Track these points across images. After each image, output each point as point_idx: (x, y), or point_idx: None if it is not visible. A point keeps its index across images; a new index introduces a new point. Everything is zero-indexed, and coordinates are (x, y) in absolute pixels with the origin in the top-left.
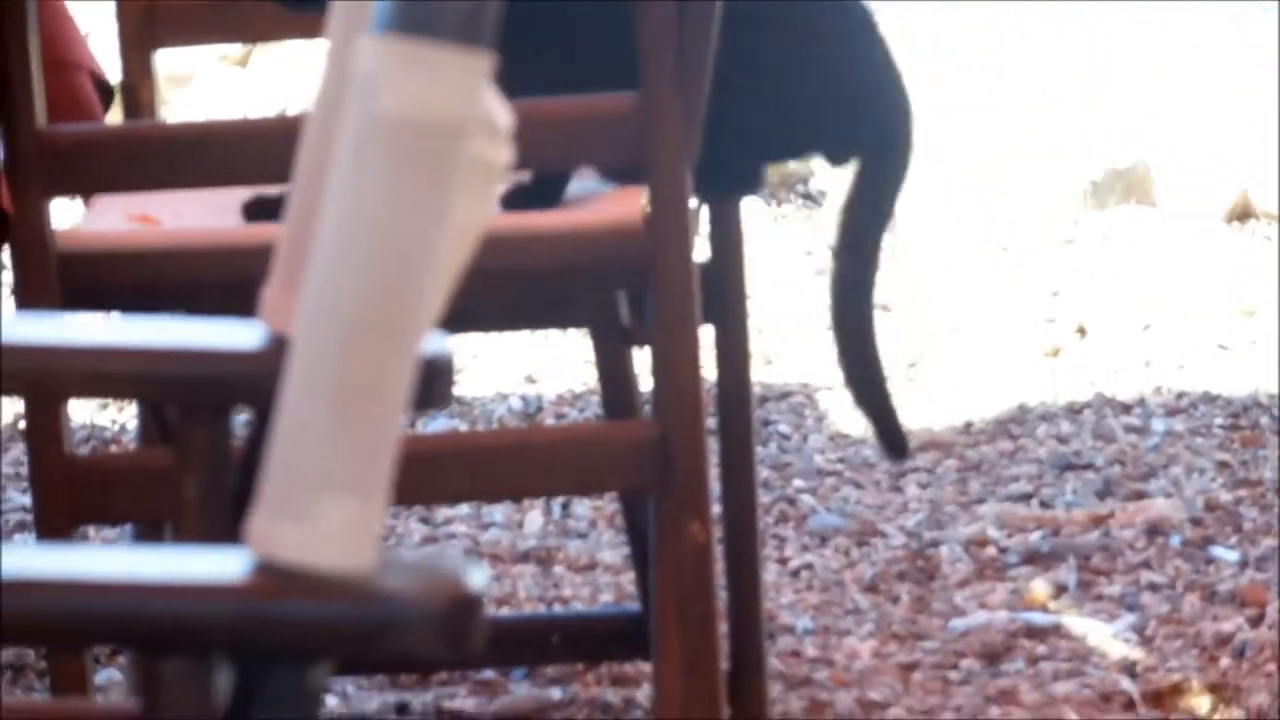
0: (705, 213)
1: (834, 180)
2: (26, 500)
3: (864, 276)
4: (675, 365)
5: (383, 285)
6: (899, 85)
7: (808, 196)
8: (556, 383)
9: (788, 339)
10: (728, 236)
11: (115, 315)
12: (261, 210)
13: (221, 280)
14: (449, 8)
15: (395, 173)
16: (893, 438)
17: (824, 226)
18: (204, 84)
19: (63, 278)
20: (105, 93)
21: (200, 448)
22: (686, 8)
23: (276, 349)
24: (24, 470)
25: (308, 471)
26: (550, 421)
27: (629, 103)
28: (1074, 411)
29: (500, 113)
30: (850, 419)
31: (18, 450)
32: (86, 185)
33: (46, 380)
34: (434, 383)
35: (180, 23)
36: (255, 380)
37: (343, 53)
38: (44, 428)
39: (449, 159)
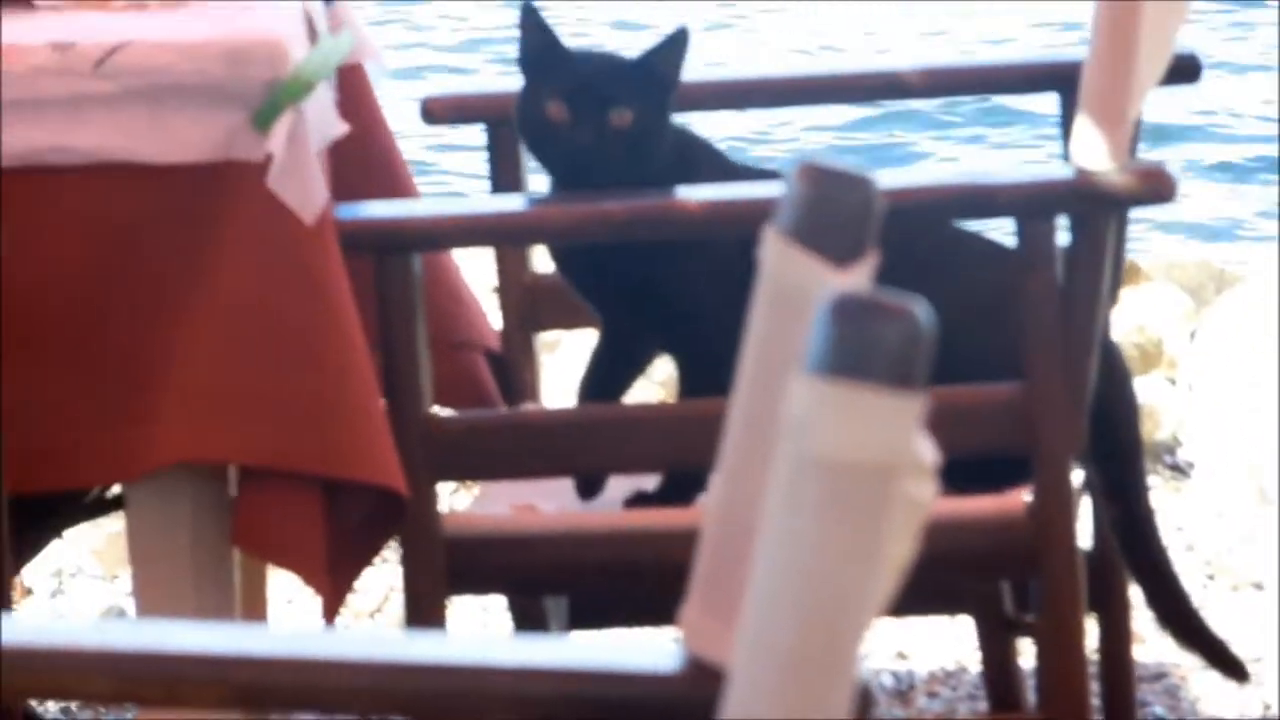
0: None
1: (1201, 452)
2: None
3: (1142, 508)
4: (1062, 657)
5: (819, 625)
6: None
7: (1175, 468)
8: (928, 659)
9: None
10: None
11: (504, 600)
12: (643, 505)
13: (605, 567)
14: (882, 349)
15: (829, 515)
16: (1228, 661)
17: (1195, 500)
18: (571, 349)
19: (449, 561)
20: (501, 368)
21: None
22: (1070, 293)
23: (696, 672)
24: None
25: None
26: (923, 700)
27: (1015, 391)
28: None
29: (928, 450)
30: (1226, 701)
31: None
32: (473, 471)
33: (455, 702)
34: (861, 709)
35: (562, 306)
36: (676, 703)
37: (764, 365)
38: None
39: (881, 501)
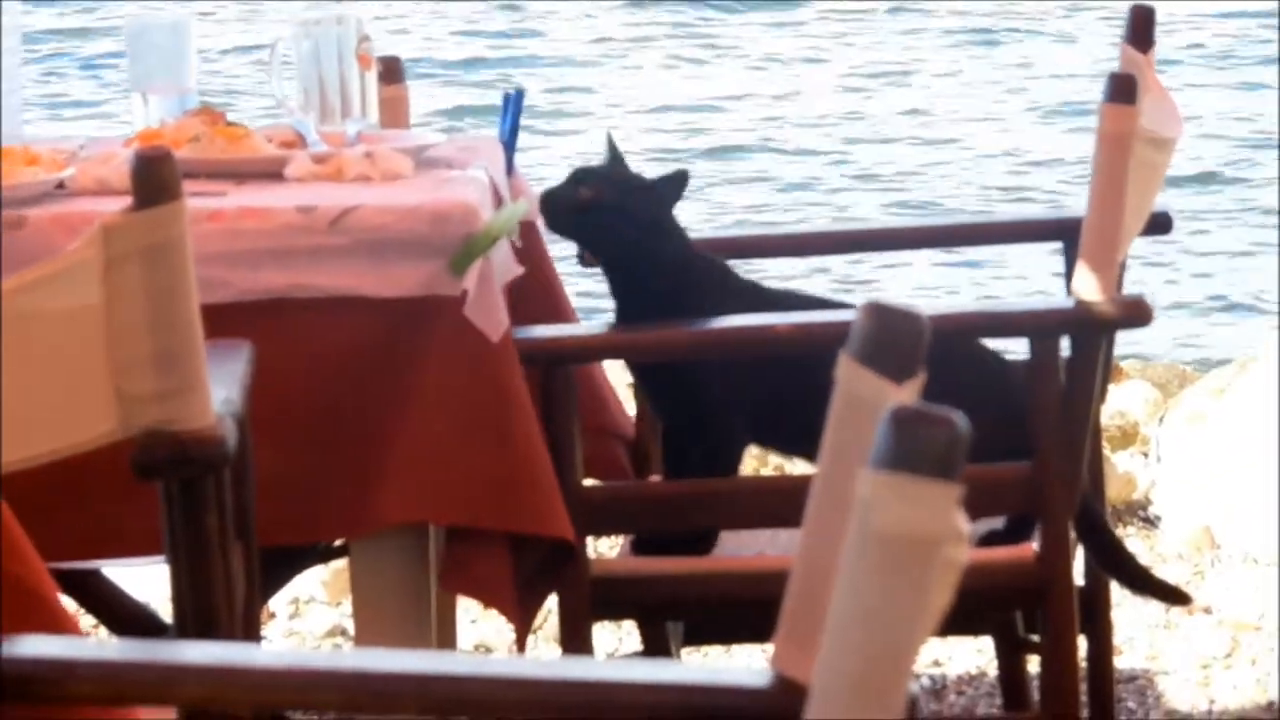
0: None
1: (1166, 508)
2: None
3: (1099, 514)
4: (1059, 667)
5: (881, 653)
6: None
7: (1146, 520)
8: (957, 667)
9: (1134, 630)
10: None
11: (636, 631)
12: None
13: (713, 600)
14: (930, 449)
15: (888, 575)
16: (1170, 592)
17: (1161, 545)
18: None
19: (594, 595)
20: (635, 451)
21: None
22: (1070, 394)
23: (783, 688)
24: None
25: None
26: (952, 698)
27: (1024, 470)
28: None
29: (963, 523)
30: (1182, 698)
31: None
32: (613, 528)
33: (595, 709)
34: (909, 714)
35: None
36: (766, 713)
37: (838, 458)
38: None
39: (927, 565)
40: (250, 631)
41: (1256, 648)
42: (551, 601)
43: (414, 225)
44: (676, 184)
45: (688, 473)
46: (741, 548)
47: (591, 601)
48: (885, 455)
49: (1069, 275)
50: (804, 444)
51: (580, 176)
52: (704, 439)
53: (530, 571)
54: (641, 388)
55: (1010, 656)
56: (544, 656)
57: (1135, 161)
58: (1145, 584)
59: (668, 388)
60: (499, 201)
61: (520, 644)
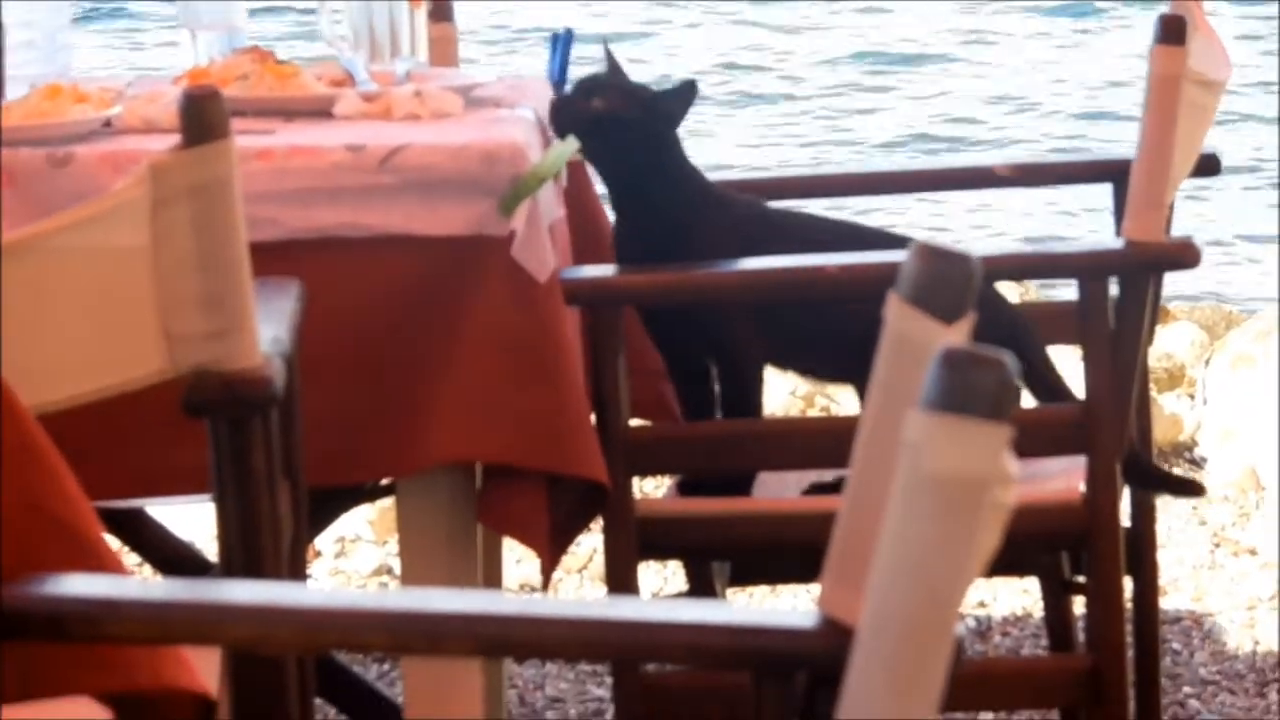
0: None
1: (1212, 449)
2: None
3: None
4: (1105, 609)
5: (928, 597)
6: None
7: (1192, 462)
8: (1002, 608)
9: (1180, 571)
10: (1144, 509)
11: (684, 570)
12: (819, 492)
13: (759, 540)
14: (979, 390)
15: (936, 517)
16: (1183, 488)
17: (1206, 486)
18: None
19: (640, 535)
20: None
21: (769, 706)
22: (1118, 335)
23: (830, 629)
24: None
25: None
26: (998, 639)
27: (1076, 411)
28: None
29: (1012, 465)
30: (1228, 638)
31: None
32: (660, 468)
33: (643, 650)
34: (955, 656)
35: None
36: (813, 653)
37: (887, 399)
38: (630, 681)
39: (976, 507)
40: (296, 571)
41: None
42: (597, 541)
43: (463, 164)
44: (685, 97)
45: (712, 408)
46: (788, 489)
47: (637, 542)
48: (935, 396)
49: (1118, 216)
50: (816, 360)
51: (590, 87)
52: (724, 363)
53: (563, 512)
54: (649, 328)
55: (1056, 597)
56: (590, 596)
57: (1184, 103)
58: (1164, 485)
59: (681, 319)
60: (546, 141)
61: (545, 582)
